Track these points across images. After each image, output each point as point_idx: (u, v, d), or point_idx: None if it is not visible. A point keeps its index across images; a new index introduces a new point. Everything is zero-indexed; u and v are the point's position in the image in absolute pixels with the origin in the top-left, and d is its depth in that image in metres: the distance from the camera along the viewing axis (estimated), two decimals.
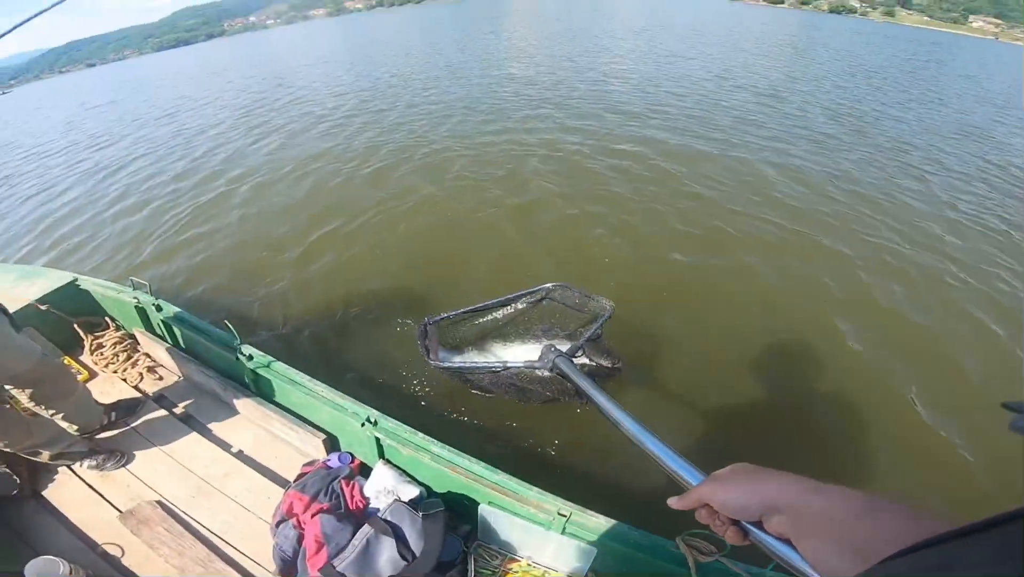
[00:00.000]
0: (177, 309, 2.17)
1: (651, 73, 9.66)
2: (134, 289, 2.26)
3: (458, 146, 5.76)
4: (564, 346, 1.45)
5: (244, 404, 1.95)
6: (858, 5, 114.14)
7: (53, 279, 2.41)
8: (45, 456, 1.78)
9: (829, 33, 25.80)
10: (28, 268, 2.62)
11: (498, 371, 1.43)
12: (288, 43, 33.20)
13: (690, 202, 4.29)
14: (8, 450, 1.67)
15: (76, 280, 2.41)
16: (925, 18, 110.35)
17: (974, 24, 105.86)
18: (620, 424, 0.87)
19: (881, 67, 12.74)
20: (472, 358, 1.60)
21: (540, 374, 1.45)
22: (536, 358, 1.37)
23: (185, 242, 4.28)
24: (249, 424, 1.99)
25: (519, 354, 1.74)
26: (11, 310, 2.05)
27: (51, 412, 1.78)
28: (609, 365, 1.69)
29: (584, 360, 1.68)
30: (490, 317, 1.80)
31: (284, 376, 1.84)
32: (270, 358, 1.89)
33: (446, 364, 1.55)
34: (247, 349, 1.91)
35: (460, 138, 6.08)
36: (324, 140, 6.57)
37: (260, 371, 1.89)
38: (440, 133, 6.30)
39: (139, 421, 2.03)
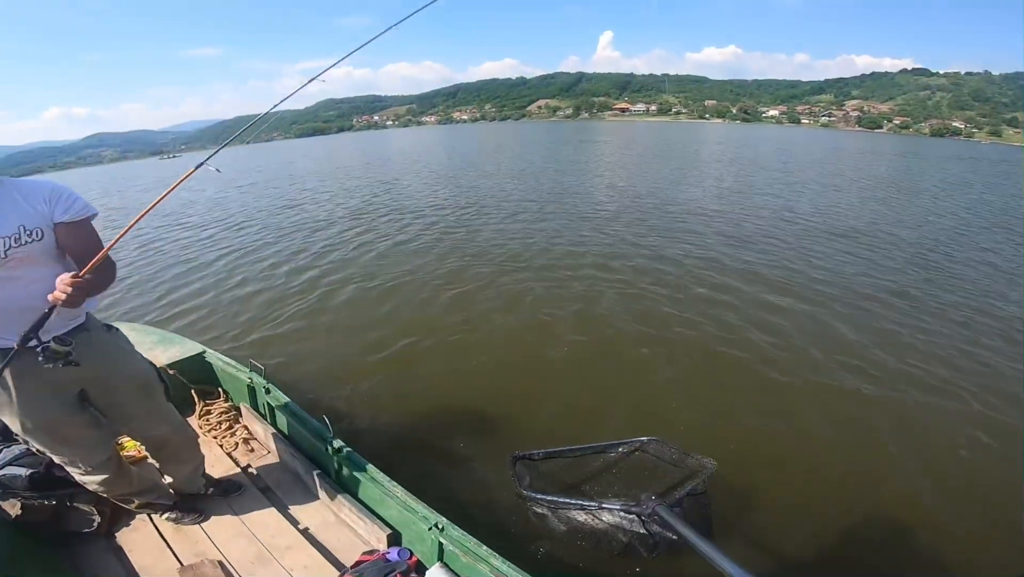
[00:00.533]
0: (283, 395, 2.50)
1: (735, 214, 9.76)
2: (250, 370, 2.64)
3: (537, 278, 6.11)
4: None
5: (322, 487, 2.15)
6: (962, 126, 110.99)
7: (186, 348, 2.88)
8: (134, 504, 1.99)
9: (934, 163, 24.99)
10: (167, 334, 3.14)
11: (591, 509, 1.47)
12: (402, 145, 37.39)
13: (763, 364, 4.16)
14: (104, 494, 1.87)
15: (204, 352, 2.87)
16: None
17: None
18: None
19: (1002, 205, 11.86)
20: (558, 495, 1.63)
21: (628, 523, 1.48)
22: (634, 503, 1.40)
23: (288, 332, 4.85)
24: (321, 506, 2.17)
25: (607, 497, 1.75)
26: None
27: (162, 470, 2.03)
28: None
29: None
30: (580, 460, 1.82)
31: (365, 472, 2.04)
32: (357, 455, 2.12)
33: (537, 495, 1.57)
34: (337, 442, 2.15)
35: (540, 269, 6.47)
36: (417, 257, 7.21)
37: (343, 463, 2.11)
38: (521, 262, 6.73)
39: (225, 486, 2.24)
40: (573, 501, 1.53)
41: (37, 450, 1.73)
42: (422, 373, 4.02)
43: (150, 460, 2.05)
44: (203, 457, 2.15)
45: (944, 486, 2.78)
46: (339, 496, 2.07)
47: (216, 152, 1.93)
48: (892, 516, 2.63)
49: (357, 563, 1.84)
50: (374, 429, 3.27)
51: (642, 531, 1.53)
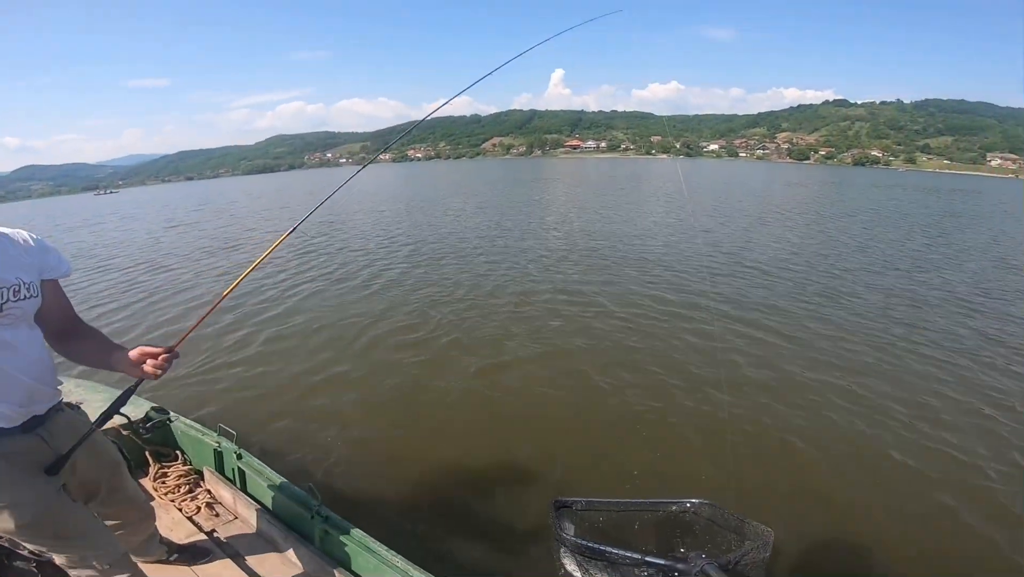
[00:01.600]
0: (257, 461, 2.29)
1: (659, 252, 10.13)
2: (219, 434, 2.41)
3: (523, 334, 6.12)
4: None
5: (304, 556, 1.93)
6: (880, 155, 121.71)
7: (141, 408, 2.61)
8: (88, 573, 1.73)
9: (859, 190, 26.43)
10: (117, 392, 2.81)
11: (635, 563, 1.37)
12: (356, 185, 37.15)
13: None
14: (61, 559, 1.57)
15: (163, 414, 2.61)
16: (945, 161, 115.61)
17: (993, 163, 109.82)
18: None
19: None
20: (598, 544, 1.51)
21: None
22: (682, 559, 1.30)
23: (243, 386, 4.58)
24: (301, 574, 1.94)
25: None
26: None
27: (119, 539, 1.78)
28: None
29: None
30: (622, 515, 1.73)
31: (359, 542, 1.84)
32: (347, 523, 1.92)
33: (576, 540, 1.46)
34: (325, 511, 1.95)
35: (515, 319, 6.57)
36: (372, 302, 7.01)
37: (332, 532, 1.91)
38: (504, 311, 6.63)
39: (187, 553, 2.00)
40: (613, 550, 1.39)
41: (32, 552, 1.47)
42: (405, 431, 3.83)
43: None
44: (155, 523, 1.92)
45: None
46: (324, 564, 1.86)
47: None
48: None
49: None
50: (360, 493, 3.06)
51: None
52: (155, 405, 2.67)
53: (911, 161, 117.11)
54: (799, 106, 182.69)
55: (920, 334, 5.47)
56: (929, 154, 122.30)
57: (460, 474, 3.30)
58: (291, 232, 1.72)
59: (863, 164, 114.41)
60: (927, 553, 2.66)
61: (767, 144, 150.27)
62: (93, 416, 2.41)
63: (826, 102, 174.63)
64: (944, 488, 3.09)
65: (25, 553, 1.58)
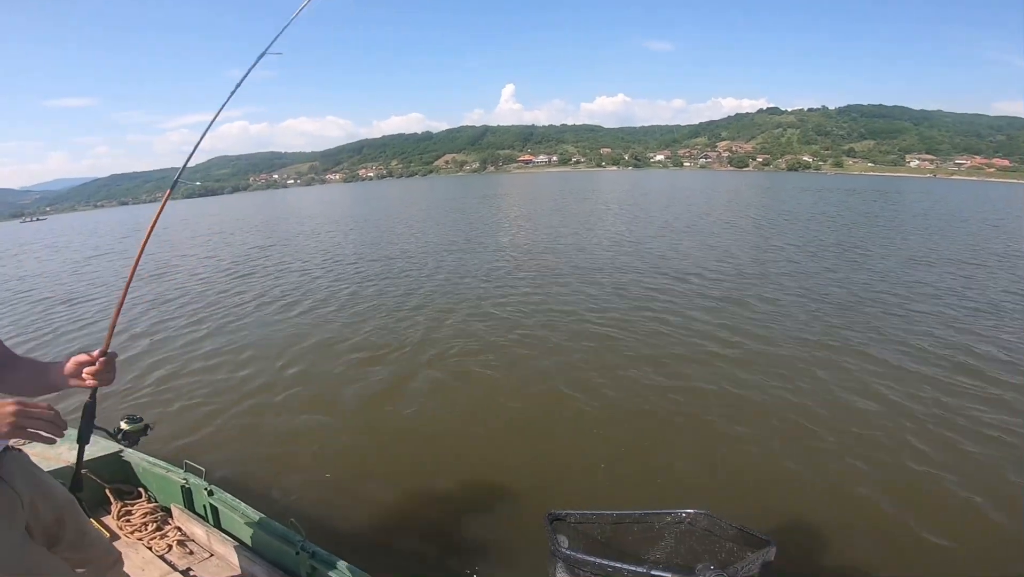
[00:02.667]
0: (231, 497, 2.21)
1: (599, 261, 10.51)
2: (185, 471, 2.32)
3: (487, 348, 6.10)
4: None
5: None
6: (811, 160, 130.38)
7: (99, 445, 2.49)
8: None
9: (791, 194, 27.84)
10: (71, 431, 2.65)
11: (640, 576, 1.32)
12: (304, 208, 36.17)
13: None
14: None
15: (121, 452, 2.51)
16: (869, 164, 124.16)
17: (912, 164, 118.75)
18: None
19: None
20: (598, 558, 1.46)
21: None
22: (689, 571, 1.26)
23: (205, 420, 4.40)
24: None
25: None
26: (51, 468, 2.11)
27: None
28: None
29: None
30: (618, 527, 1.68)
31: (342, 571, 1.80)
32: (334, 557, 1.88)
33: (575, 556, 1.41)
34: (311, 547, 1.90)
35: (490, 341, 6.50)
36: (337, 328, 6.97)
37: (321, 567, 1.86)
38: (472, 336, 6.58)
39: None
40: (616, 565, 1.33)
41: None
42: (390, 457, 3.79)
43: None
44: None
45: None
46: None
47: None
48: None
49: None
50: (344, 525, 2.98)
51: None
52: (113, 444, 2.51)
53: (839, 165, 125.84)
54: (736, 115, 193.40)
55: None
56: (855, 157, 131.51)
57: (444, 492, 3.28)
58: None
59: (796, 169, 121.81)
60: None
61: (709, 153, 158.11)
62: (44, 453, 2.29)
63: (760, 110, 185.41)
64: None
65: None
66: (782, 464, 3.41)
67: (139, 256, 1.58)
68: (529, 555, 2.42)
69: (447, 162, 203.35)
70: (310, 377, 5.12)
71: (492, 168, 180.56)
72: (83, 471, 2.22)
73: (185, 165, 1.82)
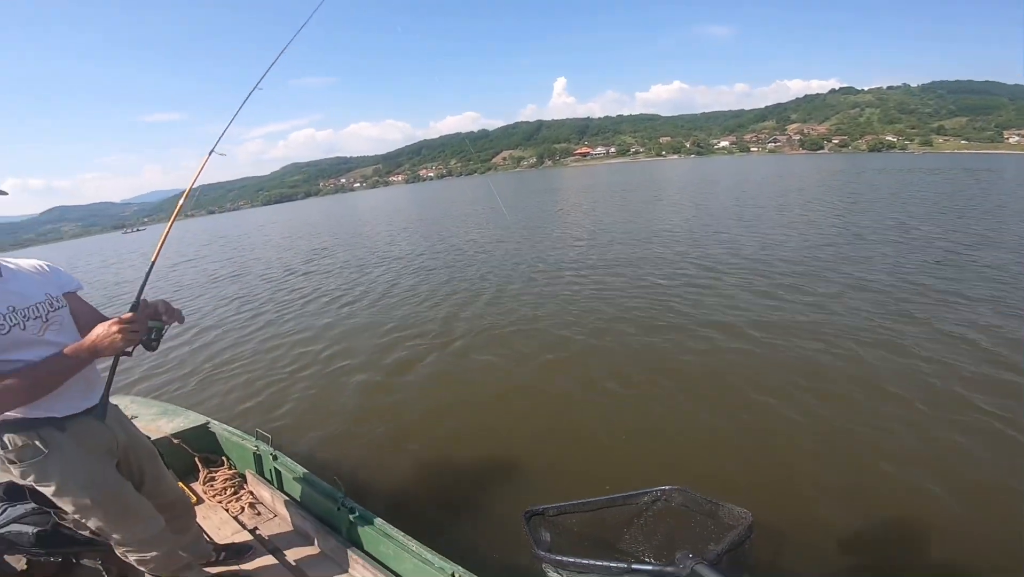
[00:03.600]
0: (291, 461, 2.52)
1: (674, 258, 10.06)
2: (256, 439, 2.66)
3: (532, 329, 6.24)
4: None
5: (334, 548, 2.14)
6: (895, 140, 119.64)
7: (188, 419, 2.93)
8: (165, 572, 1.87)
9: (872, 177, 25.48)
10: (167, 405, 3.18)
11: (622, 571, 1.29)
12: (369, 210, 37.54)
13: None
14: (160, 572, 1.81)
15: (207, 423, 2.91)
16: (962, 141, 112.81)
17: (1011, 140, 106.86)
18: None
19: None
20: (581, 555, 1.45)
21: None
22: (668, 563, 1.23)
23: (286, 396, 4.85)
24: (333, 565, 2.14)
25: (635, 557, 1.57)
26: (152, 439, 2.53)
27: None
28: None
29: None
30: (598, 514, 1.66)
31: (379, 529, 2.05)
32: (369, 512, 2.13)
33: (555, 557, 1.39)
34: (349, 503, 2.17)
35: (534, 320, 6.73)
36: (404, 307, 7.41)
37: (357, 522, 2.12)
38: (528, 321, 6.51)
39: (234, 550, 2.22)
40: (597, 563, 1.32)
41: (94, 530, 1.66)
42: (427, 426, 4.05)
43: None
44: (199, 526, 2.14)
45: None
46: (350, 553, 2.06)
47: None
48: (941, 552, 2.53)
49: None
50: (382, 485, 3.24)
51: None
52: (200, 416, 2.98)
53: (927, 144, 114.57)
54: (805, 96, 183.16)
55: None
56: (945, 135, 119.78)
57: (475, 463, 3.48)
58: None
59: (879, 150, 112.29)
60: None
61: (778, 137, 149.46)
62: (145, 427, 2.74)
63: (832, 91, 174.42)
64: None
65: (86, 535, 1.83)
66: None
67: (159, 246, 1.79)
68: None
69: (504, 159, 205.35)
70: (361, 358, 5.58)
71: (549, 163, 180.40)
72: (176, 441, 2.69)
73: (190, 188, 2.10)
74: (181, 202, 1.99)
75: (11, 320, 1.38)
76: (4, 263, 1.46)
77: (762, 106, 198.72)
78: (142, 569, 1.82)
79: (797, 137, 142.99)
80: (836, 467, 3.15)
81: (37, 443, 1.43)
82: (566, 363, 5.01)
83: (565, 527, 1.63)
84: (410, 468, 3.49)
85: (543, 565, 1.46)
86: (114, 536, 1.66)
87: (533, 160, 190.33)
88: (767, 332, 5.26)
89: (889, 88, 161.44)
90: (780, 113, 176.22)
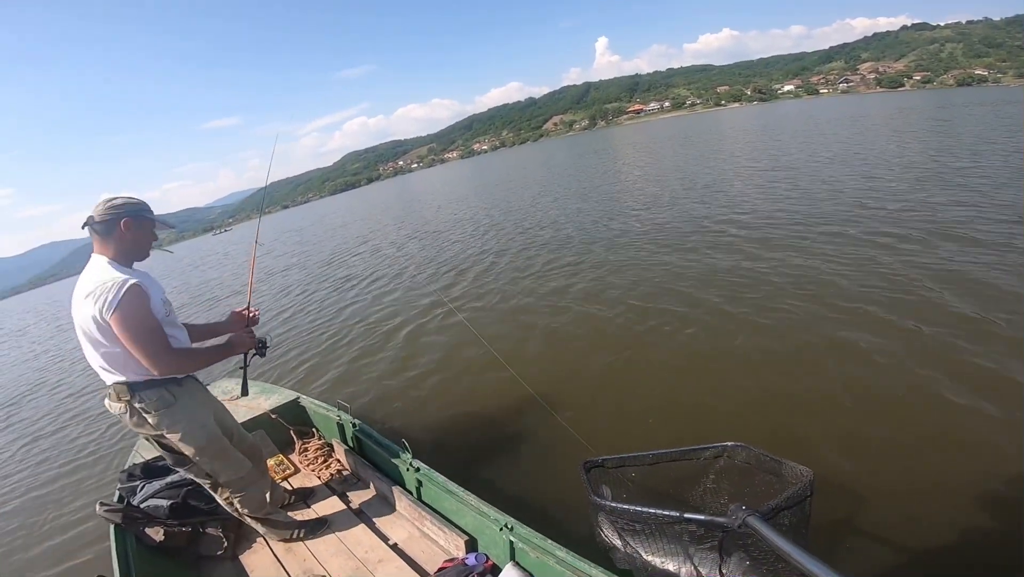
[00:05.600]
0: (367, 427, 2.88)
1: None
2: (339, 409, 3.05)
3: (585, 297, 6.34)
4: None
5: (405, 505, 2.45)
6: (986, 73, 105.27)
7: (283, 395, 3.37)
8: (259, 512, 2.32)
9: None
10: (264, 384, 3.66)
11: (673, 522, 1.27)
12: (426, 190, 38.05)
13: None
14: (248, 510, 2.25)
15: (298, 398, 3.34)
16: None
17: None
18: None
19: None
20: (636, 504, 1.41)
21: (709, 547, 1.29)
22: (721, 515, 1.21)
23: (357, 368, 5.37)
24: (405, 522, 2.46)
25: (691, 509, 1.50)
26: (250, 417, 3.05)
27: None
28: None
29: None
30: (656, 468, 1.64)
31: (442, 486, 2.32)
32: (433, 471, 2.40)
33: (608, 504, 1.41)
34: (416, 463, 2.48)
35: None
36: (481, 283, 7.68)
37: (423, 480, 2.42)
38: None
39: (323, 511, 2.61)
40: (649, 510, 1.30)
41: (208, 472, 2.11)
42: (484, 388, 4.34)
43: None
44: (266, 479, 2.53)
45: None
46: (420, 511, 2.35)
47: None
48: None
49: (440, 569, 2.06)
50: (447, 446, 3.52)
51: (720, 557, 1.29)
52: (293, 393, 3.42)
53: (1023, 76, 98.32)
54: (875, 35, 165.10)
55: None
56: None
57: (534, 428, 3.58)
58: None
59: (968, 84, 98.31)
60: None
61: (849, 76, 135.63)
62: (248, 404, 3.25)
63: (904, 27, 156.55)
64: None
65: (207, 488, 2.22)
66: None
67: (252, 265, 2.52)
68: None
69: (555, 124, 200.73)
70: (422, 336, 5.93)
71: (602, 123, 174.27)
72: (274, 416, 3.16)
73: (265, 187, 2.61)
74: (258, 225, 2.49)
75: (168, 306, 1.92)
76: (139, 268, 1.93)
77: (825, 47, 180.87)
78: (244, 511, 2.25)
79: (872, 76, 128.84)
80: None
81: (167, 395, 1.90)
82: (628, 325, 5.00)
83: (624, 480, 1.62)
84: (471, 426, 3.77)
85: (597, 513, 1.47)
86: (221, 477, 2.13)
87: (585, 123, 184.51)
88: None
89: (969, 22, 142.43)
90: (848, 53, 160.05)
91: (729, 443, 1.57)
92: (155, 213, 1.93)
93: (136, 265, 1.91)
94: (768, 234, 7.08)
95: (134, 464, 2.70)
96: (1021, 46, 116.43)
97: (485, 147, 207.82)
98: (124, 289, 1.68)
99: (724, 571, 1.29)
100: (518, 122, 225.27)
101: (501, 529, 1.97)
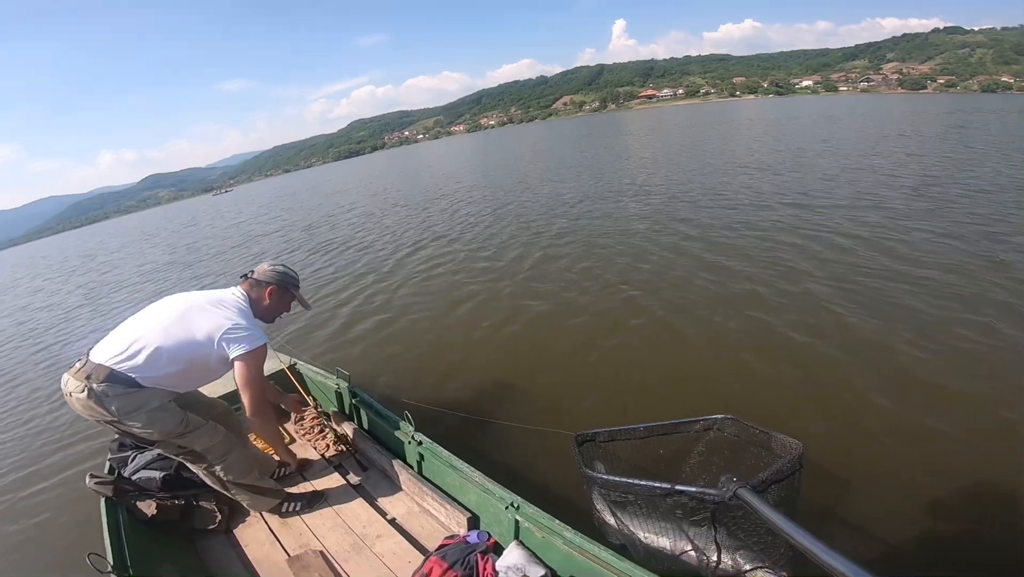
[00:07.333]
0: (367, 397, 2.75)
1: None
2: (337, 377, 2.91)
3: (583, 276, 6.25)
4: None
5: (406, 479, 2.37)
6: (1012, 80, 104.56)
7: (279, 361, 3.18)
8: (245, 477, 2.21)
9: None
10: None
11: (665, 494, 1.28)
12: (432, 161, 37.81)
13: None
14: (232, 478, 2.15)
15: (295, 364, 3.17)
16: None
17: None
18: (833, 569, 0.76)
19: None
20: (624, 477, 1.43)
21: (700, 520, 1.29)
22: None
23: (361, 337, 5.27)
24: (405, 496, 2.38)
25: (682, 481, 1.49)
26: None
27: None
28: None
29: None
30: (648, 442, 1.65)
31: (445, 461, 2.24)
32: (436, 445, 2.31)
33: (600, 477, 1.42)
34: (419, 436, 2.38)
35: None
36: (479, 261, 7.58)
37: (425, 454, 2.33)
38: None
39: (320, 484, 2.52)
40: (641, 483, 1.32)
41: (180, 446, 2.02)
42: (492, 364, 4.28)
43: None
44: (249, 447, 2.48)
45: None
46: (421, 486, 2.27)
47: None
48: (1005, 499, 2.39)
49: (440, 546, 2.00)
50: (451, 421, 3.38)
51: (710, 531, 1.31)
52: (289, 359, 3.23)
53: None
54: (904, 35, 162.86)
55: None
56: None
57: (542, 406, 3.58)
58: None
59: (993, 90, 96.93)
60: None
61: (872, 76, 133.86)
62: None
63: (936, 30, 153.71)
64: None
65: (186, 462, 2.14)
66: None
67: None
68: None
69: (565, 104, 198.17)
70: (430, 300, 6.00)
71: (613, 106, 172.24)
72: (271, 382, 2.94)
73: None
74: None
75: None
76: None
77: (852, 44, 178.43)
78: (229, 478, 2.14)
79: (895, 76, 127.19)
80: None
81: (138, 399, 1.81)
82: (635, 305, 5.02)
83: (616, 453, 1.64)
84: (474, 400, 3.70)
85: (591, 486, 1.48)
86: (196, 447, 2.01)
87: (596, 104, 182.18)
88: None
89: (1004, 29, 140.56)
90: (874, 52, 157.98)
91: (719, 415, 1.59)
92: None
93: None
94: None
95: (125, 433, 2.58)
96: None
97: (492, 122, 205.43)
98: (261, 343, 1.93)
99: (717, 543, 1.32)
100: (528, 99, 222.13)
101: (507, 508, 1.92)
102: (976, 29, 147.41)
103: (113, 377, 1.75)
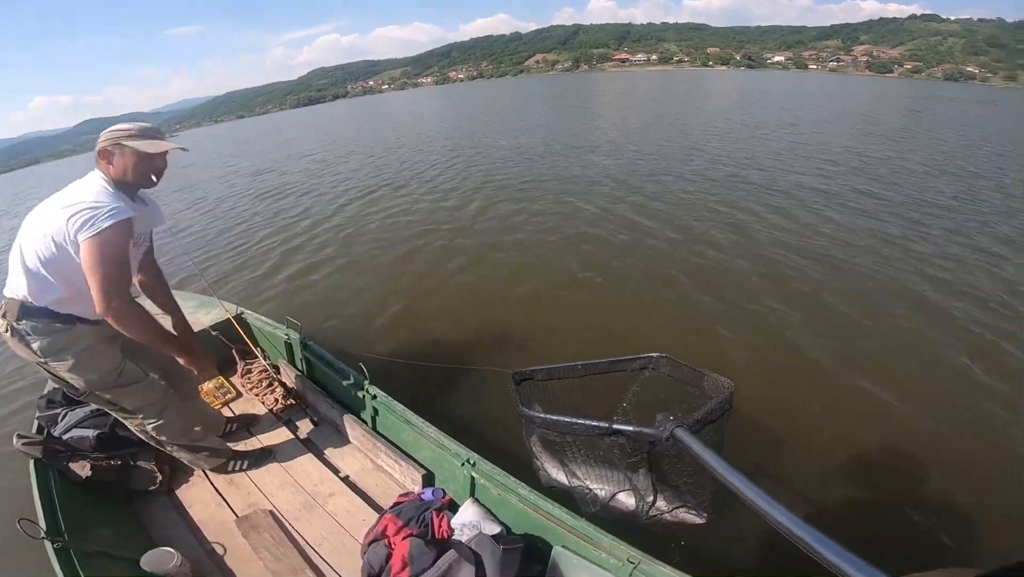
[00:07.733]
0: (319, 348, 2.59)
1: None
2: (287, 327, 2.71)
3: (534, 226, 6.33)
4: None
5: (358, 435, 2.28)
6: (976, 71, 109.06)
7: (224, 310, 2.86)
8: (181, 438, 2.03)
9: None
10: (204, 298, 3.19)
11: (602, 433, 1.27)
12: (396, 114, 36.35)
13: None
14: (168, 438, 1.97)
15: (242, 313, 2.92)
16: None
17: None
18: (758, 507, 0.77)
19: None
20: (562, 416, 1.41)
21: (635, 462, 1.30)
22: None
23: (312, 284, 5.09)
24: (359, 453, 2.30)
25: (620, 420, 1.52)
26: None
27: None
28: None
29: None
30: (586, 381, 1.63)
31: (400, 416, 2.14)
32: (391, 399, 2.21)
33: (538, 416, 1.39)
34: (373, 390, 2.26)
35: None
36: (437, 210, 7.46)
37: (380, 409, 2.23)
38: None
39: (268, 440, 2.38)
40: (580, 421, 1.29)
41: (109, 400, 1.81)
42: (445, 314, 4.26)
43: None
44: (195, 402, 2.30)
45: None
46: (376, 442, 2.18)
47: None
48: (910, 449, 2.60)
49: (395, 504, 1.94)
50: (404, 371, 3.18)
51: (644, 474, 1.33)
52: (235, 307, 2.94)
53: (1011, 79, 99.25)
54: (880, 19, 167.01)
55: None
56: None
57: (495, 355, 3.61)
58: None
59: (956, 79, 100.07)
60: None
61: (842, 56, 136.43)
62: (198, 320, 2.83)
63: (913, 16, 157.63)
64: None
65: (135, 431, 1.96)
66: None
67: None
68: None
69: (538, 62, 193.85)
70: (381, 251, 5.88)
71: (585, 67, 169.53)
72: (215, 333, 2.73)
73: None
74: None
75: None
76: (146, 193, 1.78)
77: (827, 24, 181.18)
78: (162, 438, 1.96)
79: (864, 59, 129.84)
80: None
81: (59, 327, 1.61)
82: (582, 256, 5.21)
83: (554, 393, 1.62)
84: (427, 348, 3.67)
85: (529, 427, 1.48)
86: (127, 404, 1.82)
87: (568, 64, 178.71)
88: None
89: (980, 20, 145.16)
90: (848, 33, 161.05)
91: (654, 354, 1.57)
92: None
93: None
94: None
95: (54, 388, 2.31)
96: (1022, 49, 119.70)
97: (462, 76, 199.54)
98: (111, 221, 1.49)
99: (653, 485, 1.35)
100: (500, 55, 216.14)
101: (463, 464, 1.88)
102: (952, 19, 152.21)
103: (27, 311, 1.54)
